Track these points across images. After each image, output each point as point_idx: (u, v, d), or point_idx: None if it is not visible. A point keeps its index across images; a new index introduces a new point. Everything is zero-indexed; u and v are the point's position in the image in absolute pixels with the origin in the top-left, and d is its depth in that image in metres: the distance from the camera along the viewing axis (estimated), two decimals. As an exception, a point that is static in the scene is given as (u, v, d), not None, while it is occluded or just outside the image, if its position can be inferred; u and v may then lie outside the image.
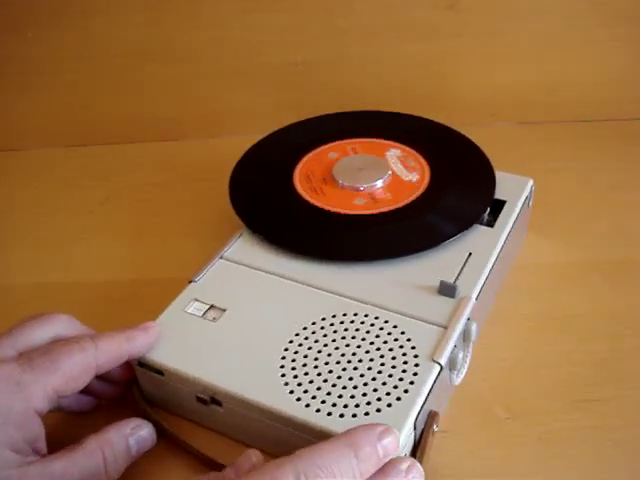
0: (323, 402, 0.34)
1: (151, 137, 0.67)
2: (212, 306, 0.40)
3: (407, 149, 0.51)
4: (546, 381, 0.40)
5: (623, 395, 0.39)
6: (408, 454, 0.33)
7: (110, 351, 0.35)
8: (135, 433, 0.35)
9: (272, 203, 0.48)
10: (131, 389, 0.39)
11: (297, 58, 0.65)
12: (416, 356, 0.36)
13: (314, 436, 0.33)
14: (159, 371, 0.37)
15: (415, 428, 0.33)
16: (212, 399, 0.36)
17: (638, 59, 0.64)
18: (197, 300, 0.40)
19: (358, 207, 0.46)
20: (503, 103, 0.66)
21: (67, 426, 0.38)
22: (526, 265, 0.49)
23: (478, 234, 0.44)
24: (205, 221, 0.54)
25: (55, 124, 0.68)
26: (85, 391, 0.35)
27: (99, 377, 0.36)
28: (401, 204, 0.46)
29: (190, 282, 0.42)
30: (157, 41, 0.65)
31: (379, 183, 0.47)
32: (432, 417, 0.35)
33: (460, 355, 0.37)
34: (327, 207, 0.46)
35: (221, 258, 0.43)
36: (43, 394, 0.32)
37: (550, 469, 0.36)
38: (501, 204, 0.47)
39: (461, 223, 0.44)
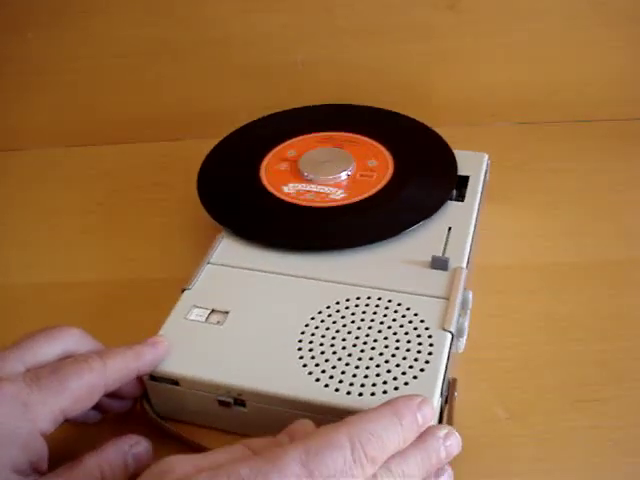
0: (351, 384, 0.35)
1: (151, 137, 0.67)
2: (213, 310, 0.40)
3: (368, 140, 0.53)
4: (546, 381, 0.40)
5: (623, 395, 0.39)
6: (435, 422, 0.34)
7: (118, 370, 0.34)
8: (133, 450, 0.34)
9: (244, 203, 0.49)
10: (140, 403, 0.38)
11: (297, 58, 0.65)
12: (427, 328, 0.38)
13: None
14: (174, 382, 0.37)
15: (441, 395, 0.35)
16: (235, 400, 0.36)
17: (638, 59, 0.64)
18: (196, 307, 0.40)
19: (329, 198, 0.47)
20: (503, 103, 0.66)
21: (68, 435, 0.38)
22: (525, 265, 0.49)
23: (452, 209, 0.47)
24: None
25: (55, 124, 0.68)
26: (92, 407, 0.35)
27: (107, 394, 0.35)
28: (371, 192, 0.48)
29: (183, 290, 0.41)
30: (157, 41, 0.65)
31: (343, 175, 0.49)
32: (452, 384, 0.37)
33: (465, 323, 0.39)
34: (297, 201, 0.47)
35: (208, 263, 0.43)
36: (50, 416, 0.32)
37: (550, 469, 0.36)
38: (465, 179, 0.50)
39: (435, 201, 0.47)
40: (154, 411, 0.38)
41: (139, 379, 0.37)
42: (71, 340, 0.35)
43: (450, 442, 0.32)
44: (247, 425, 0.37)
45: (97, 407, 0.36)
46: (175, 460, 0.29)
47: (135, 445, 0.35)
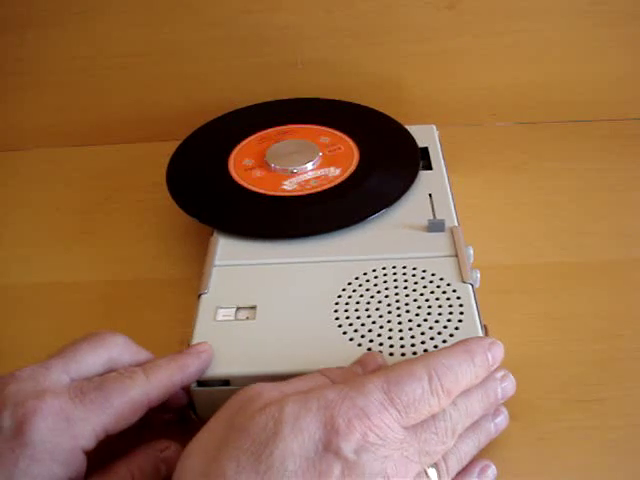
0: (402, 346, 0.37)
1: (151, 137, 0.67)
2: (238, 308, 0.40)
3: (333, 131, 0.55)
4: (546, 381, 0.40)
5: (623, 395, 0.39)
6: None
7: (163, 385, 0.34)
8: (163, 454, 0.34)
9: (226, 202, 0.49)
10: (187, 414, 0.38)
11: (297, 58, 0.65)
12: (449, 284, 0.40)
13: None
14: (225, 382, 0.36)
15: None
16: None
17: (638, 59, 0.64)
18: (221, 307, 0.40)
19: (287, 189, 0.49)
20: (503, 103, 0.66)
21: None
22: (525, 265, 0.49)
23: (425, 178, 0.51)
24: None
25: (55, 124, 0.68)
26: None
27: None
28: (345, 176, 0.50)
29: (199, 296, 0.41)
30: (157, 41, 0.65)
31: (309, 165, 0.50)
32: (486, 329, 0.39)
33: (477, 275, 0.42)
34: (279, 192, 0.48)
35: (215, 266, 0.43)
36: (92, 433, 0.31)
37: (550, 469, 0.36)
38: (425, 150, 0.53)
39: (410, 172, 0.50)
40: (199, 418, 0.38)
41: (184, 389, 0.36)
42: (115, 349, 0.35)
43: (506, 383, 0.34)
44: None
45: (141, 419, 0.35)
46: (261, 387, 0.30)
47: (165, 449, 0.34)
